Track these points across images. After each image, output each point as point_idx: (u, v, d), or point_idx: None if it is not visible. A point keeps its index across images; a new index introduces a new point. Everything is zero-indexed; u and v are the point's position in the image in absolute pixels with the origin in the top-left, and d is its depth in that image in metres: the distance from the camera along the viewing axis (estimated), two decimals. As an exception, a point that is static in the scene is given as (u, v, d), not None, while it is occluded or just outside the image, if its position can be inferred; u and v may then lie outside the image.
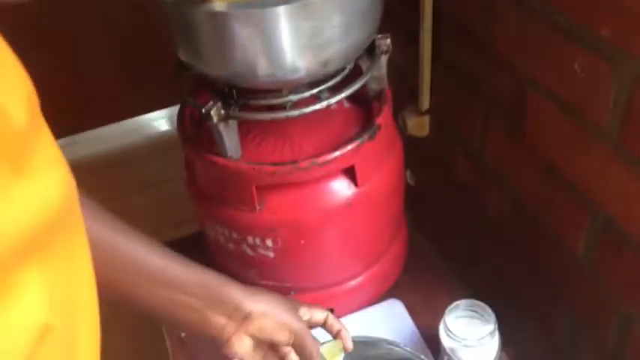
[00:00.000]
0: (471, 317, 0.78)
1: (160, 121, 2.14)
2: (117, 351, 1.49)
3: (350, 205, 0.78)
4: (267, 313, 0.59)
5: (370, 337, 0.74)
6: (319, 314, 0.64)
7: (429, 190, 1.10)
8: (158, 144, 2.04)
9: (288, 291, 0.85)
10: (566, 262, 0.80)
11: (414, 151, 0.94)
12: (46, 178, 0.32)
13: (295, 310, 0.61)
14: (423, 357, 0.72)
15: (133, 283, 0.57)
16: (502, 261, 0.96)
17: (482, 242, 1.00)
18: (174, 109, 0.85)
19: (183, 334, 0.89)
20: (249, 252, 0.80)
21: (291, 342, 0.59)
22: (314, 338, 0.61)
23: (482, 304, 0.76)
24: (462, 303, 0.77)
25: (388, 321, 0.87)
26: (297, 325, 0.60)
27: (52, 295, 0.33)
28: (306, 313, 0.63)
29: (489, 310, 0.76)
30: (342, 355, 0.64)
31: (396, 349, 0.73)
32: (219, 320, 0.58)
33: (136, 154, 2.00)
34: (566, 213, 0.78)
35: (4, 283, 0.29)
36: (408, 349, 0.73)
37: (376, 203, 0.81)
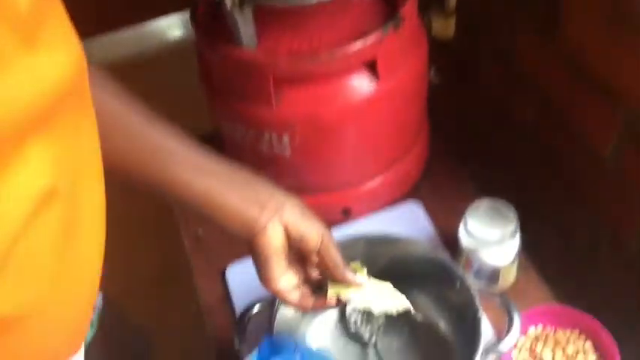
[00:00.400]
0: (492, 218, 0.76)
1: (174, 27, 2.08)
2: (134, 248, 1.52)
3: (371, 101, 0.75)
4: (297, 209, 0.57)
5: (388, 235, 0.72)
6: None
7: (452, 93, 1.06)
8: (172, 50, 1.99)
9: (305, 191, 0.83)
10: (593, 165, 0.78)
11: (438, 53, 0.89)
12: (57, 53, 0.32)
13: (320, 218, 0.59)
14: (442, 255, 0.71)
15: (162, 169, 0.54)
16: (525, 166, 0.94)
17: (505, 147, 0.98)
18: (188, 15, 0.80)
19: (200, 231, 0.89)
20: (266, 150, 0.78)
21: (319, 247, 0.57)
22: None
23: (504, 202, 0.74)
24: (483, 203, 0.75)
25: (406, 223, 0.85)
26: (324, 229, 0.58)
27: (58, 163, 0.33)
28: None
29: (512, 210, 0.74)
30: (365, 271, 0.62)
31: (415, 247, 0.72)
32: (254, 208, 0.55)
33: (150, 60, 1.96)
34: (596, 115, 0.75)
35: (12, 152, 0.30)
36: (427, 247, 0.72)
37: (398, 100, 0.78)
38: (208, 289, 0.84)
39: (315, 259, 0.58)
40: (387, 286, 0.64)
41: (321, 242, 0.57)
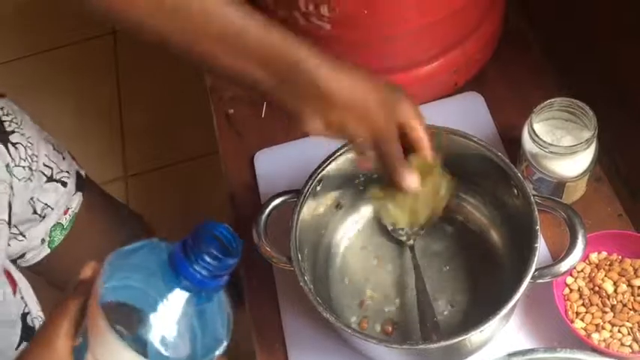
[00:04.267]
0: (566, 120, 0.63)
1: None
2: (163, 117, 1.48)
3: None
4: (347, 96, 0.49)
5: (436, 126, 0.61)
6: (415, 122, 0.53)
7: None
8: None
9: (346, 72, 0.73)
10: None
11: None
12: None
13: (387, 102, 0.50)
14: (501, 155, 0.60)
15: (203, 37, 0.48)
16: (618, 57, 0.78)
17: (595, 30, 0.81)
18: None
19: (231, 111, 0.81)
20: (302, 21, 0.67)
21: (368, 138, 0.50)
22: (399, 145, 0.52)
23: (581, 103, 0.61)
24: (557, 101, 0.62)
25: (463, 117, 0.73)
26: (380, 121, 0.49)
27: None
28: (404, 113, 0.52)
29: (590, 113, 0.60)
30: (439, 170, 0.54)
31: (470, 141, 0.61)
32: (290, 100, 0.49)
33: None
34: None
35: None
36: (484, 143, 0.61)
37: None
38: (236, 173, 0.77)
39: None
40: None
41: (374, 136, 0.50)
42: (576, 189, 0.65)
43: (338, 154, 0.62)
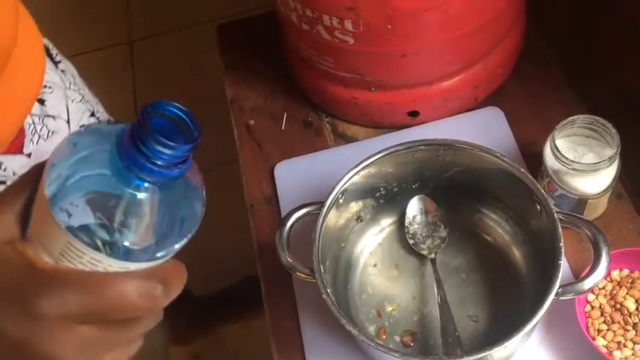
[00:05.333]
0: (588, 137, 0.63)
1: None
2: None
3: (455, -18, 0.61)
4: None
5: (456, 140, 0.61)
6: None
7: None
8: None
9: (368, 86, 0.73)
10: None
11: None
12: None
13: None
14: (523, 171, 0.60)
15: None
16: (635, 74, 0.78)
17: (617, 52, 0.81)
18: None
19: (251, 122, 0.82)
20: (326, 35, 0.67)
21: None
22: None
23: (603, 121, 0.61)
24: (579, 118, 0.62)
25: (483, 131, 0.74)
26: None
27: None
28: None
29: (613, 130, 0.61)
30: None
31: (491, 157, 0.61)
32: None
33: None
34: None
35: None
36: (506, 158, 0.61)
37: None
38: (255, 184, 0.78)
39: None
40: None
41: None
42: (598, 206, 0.65)
43: (361, 166, 0.63)
